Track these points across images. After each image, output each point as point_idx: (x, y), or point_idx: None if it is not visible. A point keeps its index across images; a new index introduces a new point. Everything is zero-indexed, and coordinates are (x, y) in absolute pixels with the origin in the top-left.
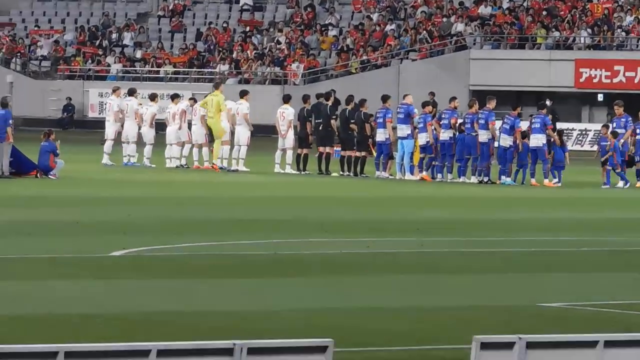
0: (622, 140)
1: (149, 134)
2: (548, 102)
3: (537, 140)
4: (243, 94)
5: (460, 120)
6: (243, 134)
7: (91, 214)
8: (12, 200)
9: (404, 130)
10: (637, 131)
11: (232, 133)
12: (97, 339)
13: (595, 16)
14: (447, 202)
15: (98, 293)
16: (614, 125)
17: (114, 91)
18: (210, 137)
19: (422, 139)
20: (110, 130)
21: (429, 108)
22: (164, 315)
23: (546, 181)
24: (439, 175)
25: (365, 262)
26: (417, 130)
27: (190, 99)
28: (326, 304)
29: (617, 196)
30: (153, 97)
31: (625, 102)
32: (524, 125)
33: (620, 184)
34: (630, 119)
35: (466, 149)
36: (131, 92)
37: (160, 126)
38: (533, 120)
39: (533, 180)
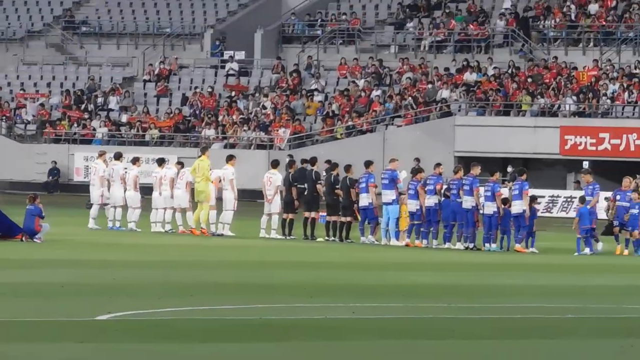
0: (588, 206)
1: (134, 197)
2: (509, 169)
3: (517, 206)
4: (229, 158)
5: (445, 186)
6: (229, 199)
7: (76, 277)
8: None
9: (388, 195)
10: (618, 197)
11: (220, 198)
12: None
13: (581, 84)
14: (433, 267)
15: (84, 357)
16: (583, 192)
17: (99, 155)
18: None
19: (413, 205)
20: (95, 194)
21: (421, 175)
22: None
23: (518, 246)
24: (425, 241)
25: (350, 327)
26: (405, 196)
27: (178, 163)
28: None
29: (600, 262)
30: (135, 161)
31: (610, 169)
32: (504, 191)
33: (586, 250)
34: (597, 186)
35: (452, 215)
36: (117, 156)
37: (146, 190)
38: (512, 187)
39: (517, 246)
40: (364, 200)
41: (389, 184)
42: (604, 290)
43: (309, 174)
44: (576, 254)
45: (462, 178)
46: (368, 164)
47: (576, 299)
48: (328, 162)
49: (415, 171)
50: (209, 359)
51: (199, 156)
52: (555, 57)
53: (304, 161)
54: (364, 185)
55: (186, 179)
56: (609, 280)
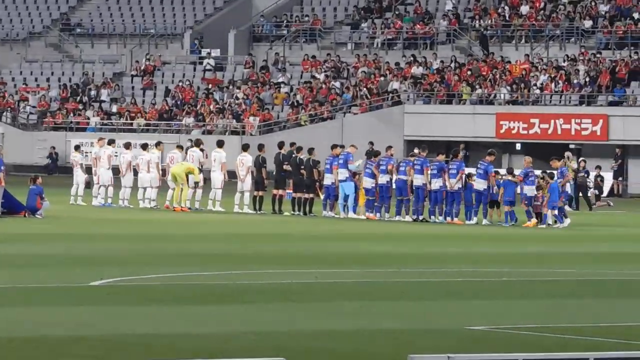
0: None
1: (127, 178)
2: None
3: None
4: (221, 143)
5: (466, 173)
6: (217, 179)
7: (73, 248)
8: (4, 237)
9: (342, 173)
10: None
11: (207, 178)
12: (81, 359)
13: (514, 75)
14: (385, 238)
15: (80, 318)
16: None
17: (100, 140)
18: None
19: (368, 183)
20: (105, 176)
21: (375, 158)
22: (137, 338)
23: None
24: (378, 215)
25: (314, 291)
26: (362, 174)
27: (178, 146)
28: (279, 327)
29: (532, 233)
30: (127, 146)
31: (539, 151)
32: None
33: (558, 224)
34: (565, 169)
35: (398, 191)
36: (127, 146)
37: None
38: (451, 167)
39: (456, 220)
40: (328, 179)
41: (343, 163)
42: (534, 256)
43: (277, 156)
44: (543, 225)
45: (423, 158)
46: (334, 146)
47: (510, 265)
48: (293, 144)
49: (371, 154)
50: (190, 319)
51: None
52: (492, 53)
53: (291, 145)
54: (328, 166)
55: (198, 158)
56: (539, 248)
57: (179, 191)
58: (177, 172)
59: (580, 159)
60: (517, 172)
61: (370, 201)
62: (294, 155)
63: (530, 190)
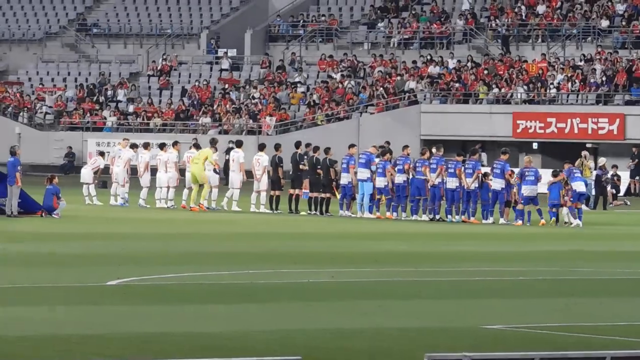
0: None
1: (145, 178)
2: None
3: (474, 183)
4: (239, 143)
5: (483, 171)
6: (236, 179)
7: (89, 248)
8: (21, 236)
9: (363, 173)
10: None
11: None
12: (96, 357)
13: (531, 74)
14: (402, 237)
15: (96, 317)
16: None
17: (124, 140)
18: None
19: (381, 182)
20: (121, 175)
21: (388, 156)
22: (154, 337)
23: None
24: (394, 214)
25: (330, 289)
26: (375, 174)
27: (195, 145)
28: (295, 325)
29: (545, 231)
30: (146, 146)
31: (556, 150)
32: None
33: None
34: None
35: (417, 191)
36: (145, 146)
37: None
38: (467, 166)
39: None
40: (345, 179)
41: (365, 163)
42: (551, 255)
43: (294, 156)
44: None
45: (429, 158)
46: (351, 146)
47: (526, 264)
48: (308, 145)
49: (384, 152)
50: (206, 318)
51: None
52: (509, 52)
53: (307, 145)
54: (345, 165)
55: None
56: (556, 246)
57: (197, 191)
58: (196, 172)
59: (601, 158)
60: (515, 170)
61: (387, 200)
62: (310, 155)
63: (526, 189)
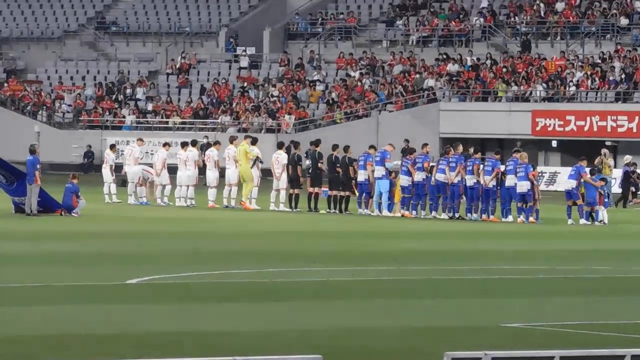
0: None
1: (163, 176)
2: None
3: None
4: (254, 141)
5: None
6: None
7: (109, 246)
8: (41, 235)
9: (379, 171)
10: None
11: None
12: (116, 356)
13: (550, 72)
14: (421, 235)
15: (116, 316)
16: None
17: (138, 140)
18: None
19: (404, 181)
20: (132, 173)
21: (413, 155)
22: (174, 336)
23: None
24: (414, 212)
25: (350, 288)
26: (398, 172)
27: (216, 142)
28: (316, 325)
29: (567, 230)
30: (165, 145)
31: (575, 147)
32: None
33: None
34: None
35: (436, 189)
36: (164, 144)
37: (171, 170)
38: (486, 164)
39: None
40: (361, 176)
41: (380, 161)
42: (570, 253)
43: (313, 154)
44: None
45: (450, 156)
46: (370, 147)
47: (546, 262)
48: (317, 143)
49: (407, 151)
50: (226, 317)
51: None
52: (528, 52)
53: (310, 143)
54: (362, 163)
55: (213, 159)
56: (574, 245)
57: (247, 188)
58: (242, 172)
59: (627, 155)
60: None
61: (406, 199)
62: (313, 152)
63: (519, 186)
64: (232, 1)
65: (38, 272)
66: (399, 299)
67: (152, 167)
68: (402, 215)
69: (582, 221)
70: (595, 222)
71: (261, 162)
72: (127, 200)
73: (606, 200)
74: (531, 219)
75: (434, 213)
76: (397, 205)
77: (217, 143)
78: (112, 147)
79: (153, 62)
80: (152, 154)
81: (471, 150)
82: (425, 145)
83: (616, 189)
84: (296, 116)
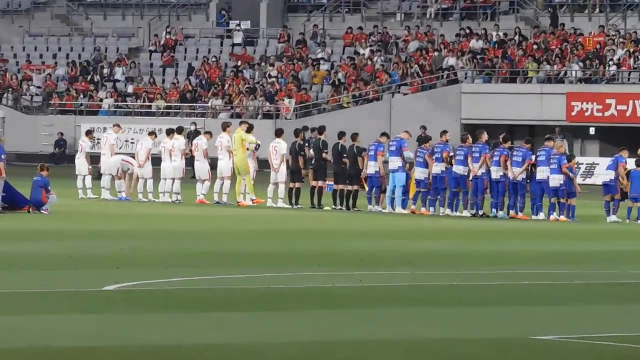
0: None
1: (146, 168)
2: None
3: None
4: (250, 129)
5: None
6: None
7: (84, 248)
8: (6, 235)
9: (395, 162)
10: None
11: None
12: None
13: (587, 49)
14: (440, 234)
15: (92, 327)
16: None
17: (115, 126)
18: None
19: (420, 173)
20: (109, 164)
21: (429, 144)
22: (156, 349)
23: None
24: (432, 209)
25: (358, 295)
26: (413, 164)
27: (206, 132)
28: (319, 336)
29: (606, 229)
30: (151, 133)
31: (616, 135)
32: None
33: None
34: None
35: (454, 182)
36: (175, 132)
37: (155, 160)
38: (515, 154)
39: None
40: (371, 168)
41: (396, 150)
42: (609, 255)
43: (316, 143)
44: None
45: (471, 145)
46: (383, 134)
47: (583, 266)
48: (313, 129)
49: (422, 140)
50: (216, 327)
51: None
52: (563, 24)
53: (312, 130)
54: (372, 153)
55: (202, 148)
56: (613, 246)
57: (241, 184)
58: (238, 164)
59: None
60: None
61: (422, 194)
62: (315, 140)
63: (552, 179)
64: None
65: (3, 278)
66: (413, 308)
67: (133, 157)
68: (412, 212)
69: (613, 218)
70: (639, 220)
71: (256, 149)
72: (101, 195)
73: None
74: (562, 217)
75: (448, 210)
76: (411, 201)
77: (207, 133)
78: (89, 133)
79: (134, 37)
80: (132, 143)
81: (500, 138)
82: (444, 132)
83: None
84: (297, 100)
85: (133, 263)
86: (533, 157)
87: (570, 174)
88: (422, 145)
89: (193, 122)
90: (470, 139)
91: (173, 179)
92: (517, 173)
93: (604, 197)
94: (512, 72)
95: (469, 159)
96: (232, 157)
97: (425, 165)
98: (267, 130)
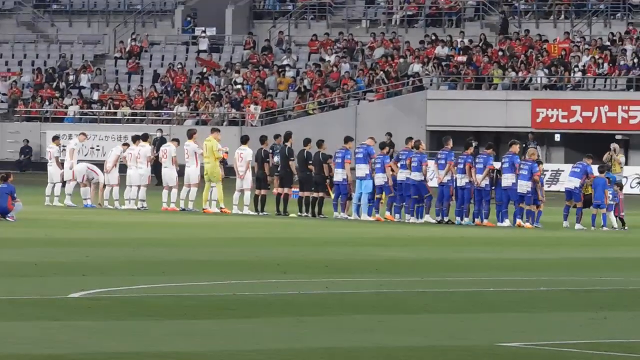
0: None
1: (113, 175)
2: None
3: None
4: (168, 139)
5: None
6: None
7: (50, 255)
8: None
9: (362, 170)
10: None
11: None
12: None
13: (552, 56)
14: (405, 241)
15: (58, 334)
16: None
17: (81, 134)
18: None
19: (380, 179)
20: (70, 172)
21: (387, 149)
22: (122, 357)
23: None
24: (397, 215)
25: (324, 303)
26: (374, 171)
27: (174, 140)
28: (285, 344)
29: (571, 235)
30: (124, 144)
31: (581, 141)
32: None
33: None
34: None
35: (414, 189)
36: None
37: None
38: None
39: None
40: (339, 175)
41: (364, 158)
42: (574, 262)
43: (282, 150)
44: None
45: (422, 152)
46: (347, 139)
47: (549, 272)
48: (277, 136)
49: (382, 145)
50: (182, 335)
51: (207, 137)
52: (527, 30)
53: (276, 137)
54: (339, 160)
55: (170, 155)
56: (578, 253)
57: (209, 191)
58: (210, 171)
59: None
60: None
61: (389, 199)
62: (279, 147)
63: (520, 185)
64: None
65: None
66: (379, 315)
67: (100, 166)
68: (377, 220)
69: (578, 226)
70: (604, 227)
71: (223, 162)
72: (65, 201)
73: (611, 203)
74: (527, 224)
75: (413, 218)
76: (382, 208)
77: (175, 140)
78: (55, 139)
79: (99, 44)
80: (97, 150)
81: (473, 145)
82: (409, 139)
83: (627, 189)
84: (263, 106)
85: (99, 270)
86: (493, 163)
87: (538, 183)
88: (382, 152)
89: (159, 129)
90: (423, 145)
91: (139, 186)
92: (479, 179)
93: (566, 202)
94: (477, 79)
95: (435, 166)
96: (203, 164)
97: (384, 170)
98: (233, 137)
